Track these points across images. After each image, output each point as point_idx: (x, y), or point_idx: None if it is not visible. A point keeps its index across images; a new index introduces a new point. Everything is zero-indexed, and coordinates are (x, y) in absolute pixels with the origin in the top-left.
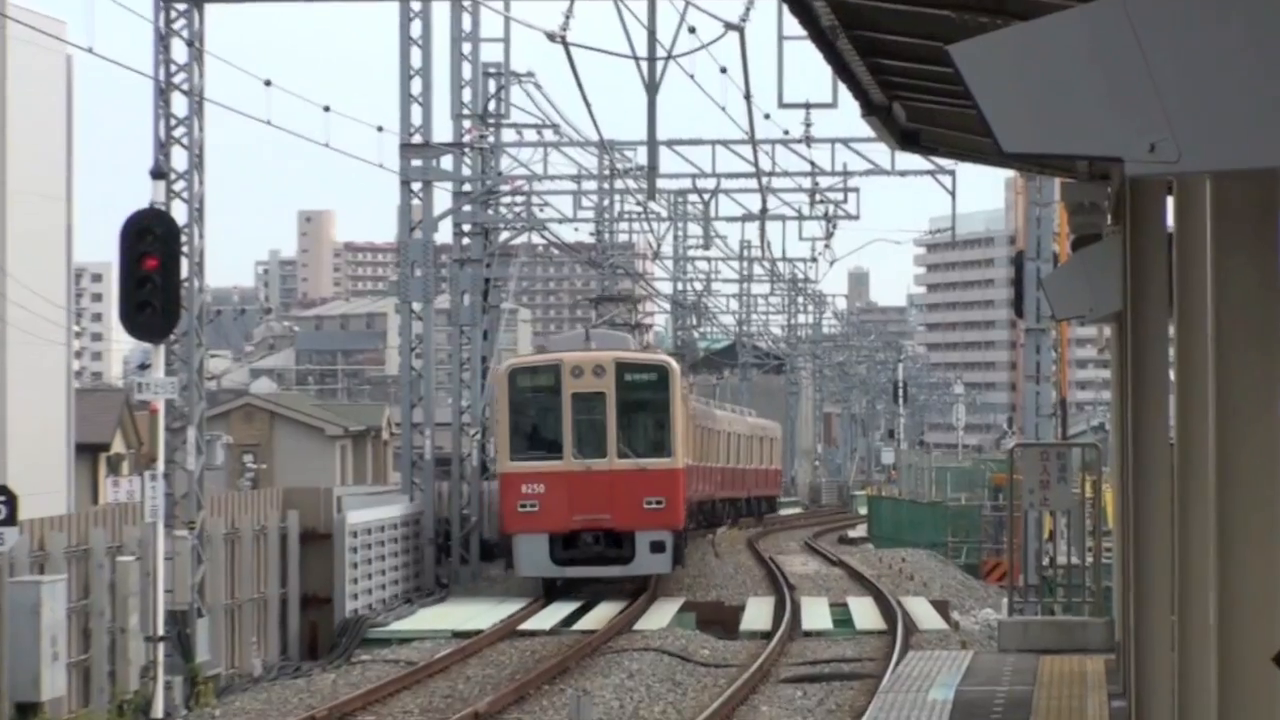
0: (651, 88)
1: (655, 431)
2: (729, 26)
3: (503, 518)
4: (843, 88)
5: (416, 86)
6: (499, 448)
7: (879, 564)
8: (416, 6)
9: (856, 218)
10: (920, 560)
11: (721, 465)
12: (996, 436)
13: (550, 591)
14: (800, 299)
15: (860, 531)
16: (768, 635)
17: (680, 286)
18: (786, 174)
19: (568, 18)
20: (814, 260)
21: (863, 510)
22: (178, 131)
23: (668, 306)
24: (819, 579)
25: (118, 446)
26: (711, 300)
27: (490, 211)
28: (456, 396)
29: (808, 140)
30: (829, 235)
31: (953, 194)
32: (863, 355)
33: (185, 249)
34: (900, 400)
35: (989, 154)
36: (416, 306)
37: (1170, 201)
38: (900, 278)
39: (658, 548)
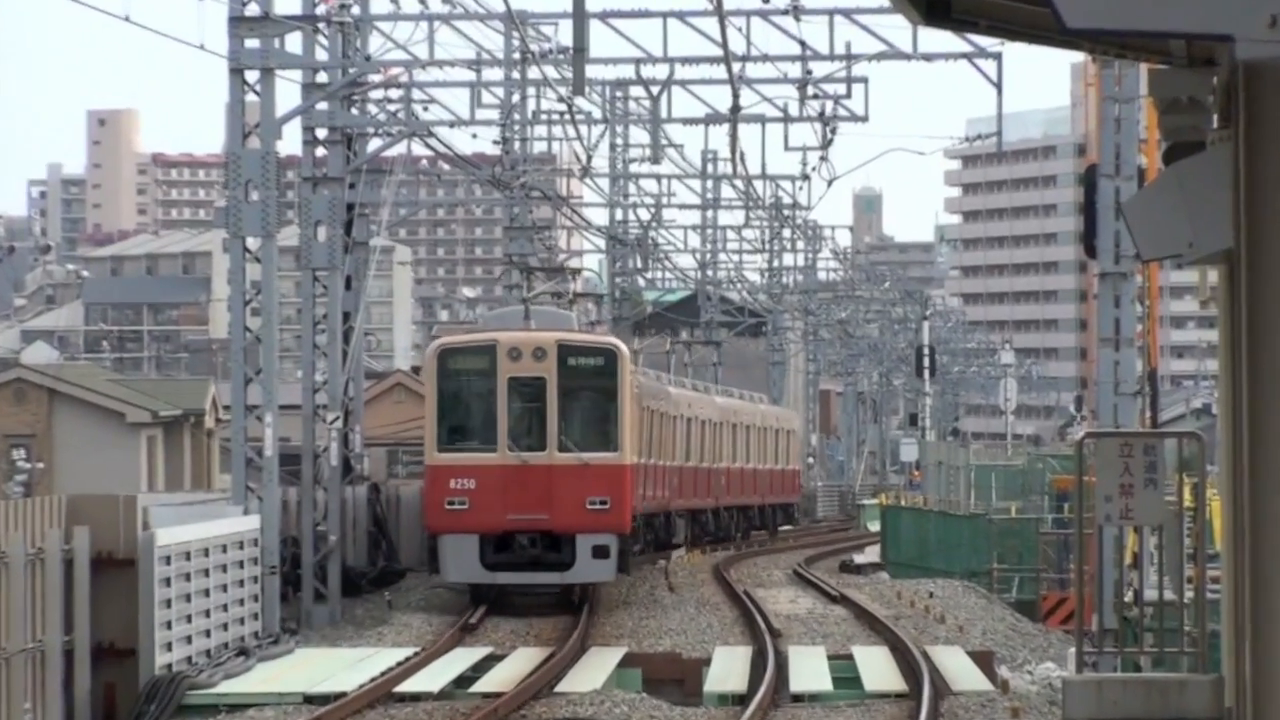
0: None
1: (601, 423)
2: None
3: (427, 515)
4: None
5: None
6: (426, 437)
7: (897, 600)
8: None
9: (864, 119)
10: (954, 595)
11: (725, 465)
12: (1060, 423)
13: (479, 600)
14: (787, 233)
15: (871, 555)
16: (741, 700)
17: (619, 215)
18: (767, 58)
19: None
20: (805, 179)
21: (874, 525)
22: None
23: (602, 244)
24: (813, 621)
25: None
26: (663, 234)
27: (355, 111)
28: (309, 369)
29: (795, 11)
30: (826, 144)
31: (998, 86)
32: (874, 311)
33: None
34: (926, 373)
35: (1047, 31)
36: (252, 243)
37: None
38: (926, 203)
39: (600, 553)
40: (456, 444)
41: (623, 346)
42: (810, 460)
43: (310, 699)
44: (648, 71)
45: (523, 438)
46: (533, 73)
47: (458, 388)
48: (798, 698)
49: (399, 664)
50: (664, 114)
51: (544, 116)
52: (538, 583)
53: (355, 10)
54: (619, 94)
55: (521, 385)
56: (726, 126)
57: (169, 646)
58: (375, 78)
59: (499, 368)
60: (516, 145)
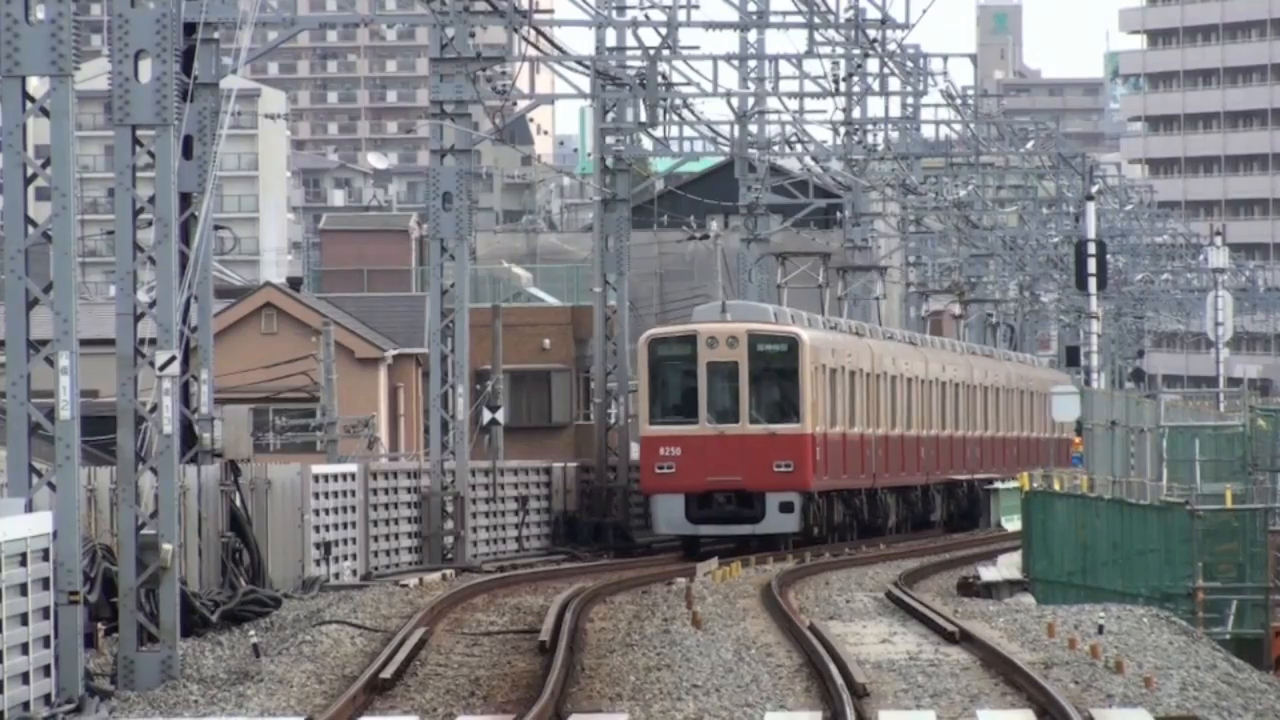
0: None
1: (785, 398)
2: None
3: (642, 479)
4: None
5: None
6: (640, 413)
7: (1048, 639)
8: None
9: None
10: (1137, 629)
11: (977, 434)
12: None
13: (689, 550)
14: (873, 66)
15: (1007, 569)
16: None
17: (612, 39)
18: None
19: None
20: None
21: (1010, 523)
22: None
23: (585, 84)
24: (918, 673)
25: None
26: (680, 69)
27: None
28: (127, 284)
29: None
30: None
31: None
32: (1010, 187)
33: None
34: (1092, 284)
35: None
36: (36, 86)
37: None
38: (1090, 16)
39: (786, 508)
40: (664, 418)
41: (804, 335)
42: None
43: None
44: None
45: (719, 412)
46: None
47: (665, 370)
48: None
49: None
50: None
51: None
52: (734, 533)
53: None
54: None
55: (718, 368)
56: None
57: None
58: None
59: (699, 354)
60: None
